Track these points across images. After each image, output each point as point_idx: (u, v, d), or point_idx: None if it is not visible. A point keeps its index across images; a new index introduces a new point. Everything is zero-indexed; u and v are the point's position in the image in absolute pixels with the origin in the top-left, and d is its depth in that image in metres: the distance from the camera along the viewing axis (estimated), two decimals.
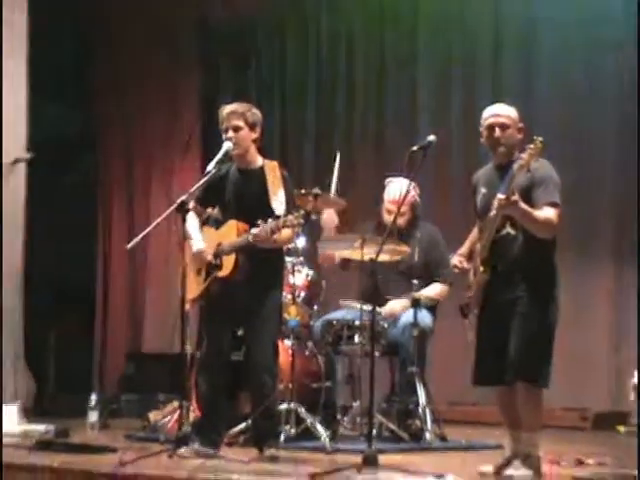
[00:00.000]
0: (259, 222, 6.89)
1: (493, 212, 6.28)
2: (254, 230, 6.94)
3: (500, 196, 6.13)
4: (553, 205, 6.24)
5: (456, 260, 6.64)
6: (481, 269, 6.42)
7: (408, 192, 7.47)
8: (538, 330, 6.33)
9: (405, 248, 7.98)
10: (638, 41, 8.58)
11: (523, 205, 6.16)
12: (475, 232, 6.68)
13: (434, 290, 8.29)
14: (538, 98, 10.28)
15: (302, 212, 6.99)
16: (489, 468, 6.49)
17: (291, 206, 7.09)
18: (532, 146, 6.15)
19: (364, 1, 11.09)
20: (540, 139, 6.16)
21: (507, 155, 6.45)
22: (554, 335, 6.41)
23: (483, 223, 6.48)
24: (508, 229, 6.34)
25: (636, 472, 6.19)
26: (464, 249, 6.71)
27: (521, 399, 6.40)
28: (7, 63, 9.69)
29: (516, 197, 6.13)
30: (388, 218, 8.28)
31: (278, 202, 7.04)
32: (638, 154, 9.43)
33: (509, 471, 6.42)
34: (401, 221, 8.18)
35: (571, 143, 10.01)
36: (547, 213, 6.22)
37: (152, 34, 11.53)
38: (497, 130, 6.44)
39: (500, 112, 6.50)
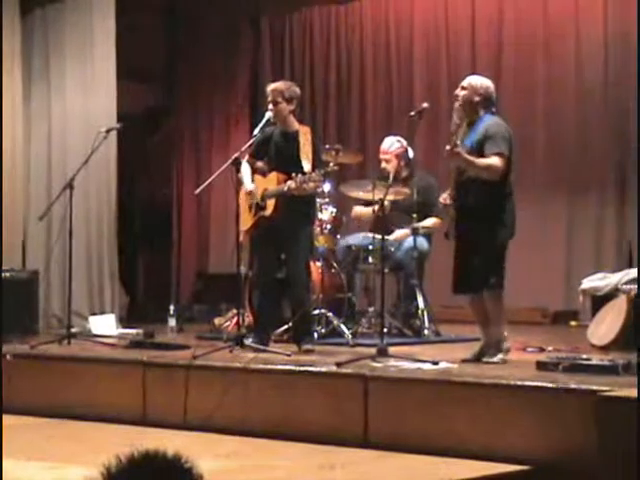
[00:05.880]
0: (292, 176, 6.96)
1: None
2: (289, 182, 7.01)
3: (447, 148, 6.14)
4: (498, 154, 6.22)
5: (441, 197, 6.63)
6: (451, 208, 6.44)
7: (394, 145, 7.77)
8: (491, 250, 6.31)
9: (406, 190, 7.99)
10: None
11: (464, 155, 6.16)
12: None
13: (429, 222, 8.28)
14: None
15: (322, 171, 7.07)
16: (470, 355, 6.56)
17: (317, 164, 7.15)
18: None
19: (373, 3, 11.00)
20: None
21: (472, 115, 6.39)
22: (505, 251, 6.38)
23: None
24: (469, 174, 6.32)
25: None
26: (450, 187, 6.70)
27: (487, 301, 6.41)
28: (97, 52, 9.71)
29: (458, 149, 6.14)
30: (380, 165, 8.34)
31: (306, 161, 7.09)
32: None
33: (485, 358, 6.45)
34: (389, 167, 8.16)
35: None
36: (490, 160, 6.19)
37: (216, 31, 11.50)
38: (458, 100, 6.42)
39: (464, 84, 6.44)
